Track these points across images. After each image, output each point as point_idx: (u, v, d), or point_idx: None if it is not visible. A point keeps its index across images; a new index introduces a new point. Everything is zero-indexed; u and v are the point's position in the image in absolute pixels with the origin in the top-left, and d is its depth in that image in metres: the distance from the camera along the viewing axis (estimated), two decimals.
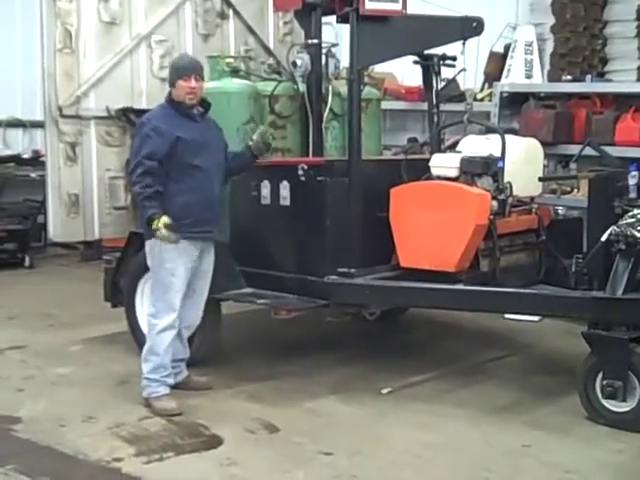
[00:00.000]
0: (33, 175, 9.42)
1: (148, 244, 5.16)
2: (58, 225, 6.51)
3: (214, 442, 4.67)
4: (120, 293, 6.19)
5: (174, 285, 5.08)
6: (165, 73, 6.74)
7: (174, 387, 5.27)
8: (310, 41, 6.00)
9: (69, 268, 9.39)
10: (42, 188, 7.11)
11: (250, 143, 5.41)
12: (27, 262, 9.35)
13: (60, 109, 6.40)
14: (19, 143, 10.62)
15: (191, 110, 5.16)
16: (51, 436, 4.70)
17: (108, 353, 6.18)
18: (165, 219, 4.88)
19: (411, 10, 5.52)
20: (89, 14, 6.52)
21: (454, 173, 5.49)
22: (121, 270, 6.18)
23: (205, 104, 5.24)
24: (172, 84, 5.14)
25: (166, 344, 5.12)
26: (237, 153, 5.46)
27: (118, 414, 4.99)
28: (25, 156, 10.20)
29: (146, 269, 5.86)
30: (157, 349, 5.11)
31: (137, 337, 6.02)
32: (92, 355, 6.19)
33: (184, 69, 5.14)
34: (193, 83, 5.09)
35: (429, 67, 6.28)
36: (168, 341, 5.12)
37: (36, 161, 9.73)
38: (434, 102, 6.37)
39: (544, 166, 6.16)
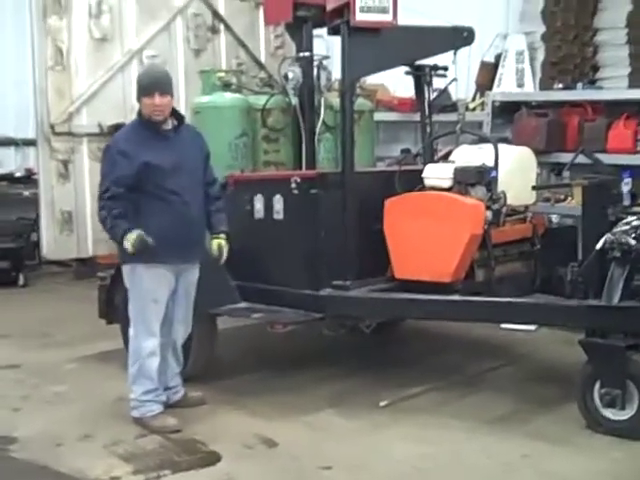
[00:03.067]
0: (26, 193, 9.40)
1: (126, 268, 5.07)
2: (52, 243, 6.47)
3: (212, 458, 4.63)
4: (115, 310, 6.15)
5: (153, 310, 5.02)
6: None
7: (171, 406, 5.25)
8: (301, 54, 6.00)
9: (63, 286, 9.35)
10: (35, 206, 7.08)
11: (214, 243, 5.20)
12: (21, 280, 9.32)
13: (52, 126, 6.37)
14: (11, 161, 10.61)
15: (162, 126, 4.99)
16: (48, 456, 4.67)
17: (104, 371, 6.15)
18: (139, 232, 4.79)
19: (402, 21, 5.53)
20: (80, 31, 6.50)
21: (448, 183, 5.48)
22: (116, 286, 6.15)
23: (178, 116, 5.08)
24: (138, 101, 4.99)
25: (155, 368, 5.09)
26: (213, 213, 5.23)
27: (115, 432, 4.96)
28: (17, 174, 10.19)
29: None
30: (150, 373, 5.06)
31: None
32: (88, 373, 6.16)
33: (146, 87, 4.95)
34: (157, 100, 4.89)
35: (421, 78, 6.28)
36: (155, 365, 5.09)
37: (28, 179, 9.72)
38: (426, 113, 6.37)
39: (537, 174, 6.16)
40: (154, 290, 5.01)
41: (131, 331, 5.14)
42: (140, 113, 5.03)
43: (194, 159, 5.12)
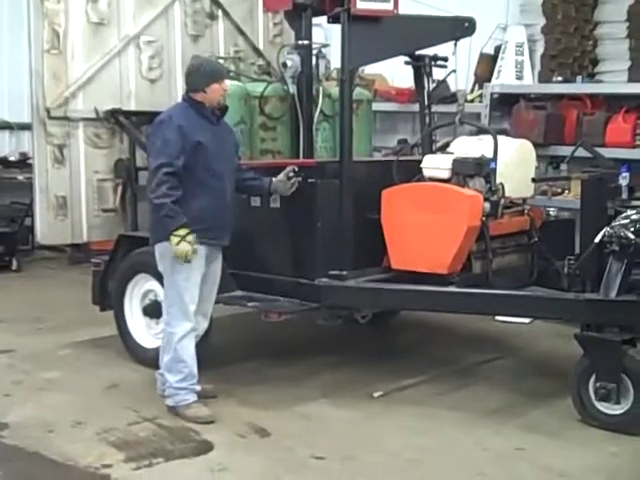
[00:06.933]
0: (20, 177, 9.37)
1: (159, 248, 5.00)
2: (46, 228, 6.43)
3: (204, 447, 4.61)
4: (109, 296, 6.13)
5: (189, 291, 4.96)
6: (154, 74, 6.80)
7: None
8: (300, 42, 5.96)
9: (57, 271, 9.32)
10: (29, 190, 7.05)
11: (274, 179, 5.37)
12: (14, 265, 9.28)
13: (48, 111, 6.33)
14: (6, 145, 10.56)
15: (211, 113, 5.04)
16: (39, 442, 4.64)
17: (97, 357, 6.12)
18: (193, 237, 4.79)
19: (402, 10, 5.49)
20: (77, 15, 6.44)
21: (446, 174, 5.46)
22: (110, 273, 6.13)
23: (223, 108, 5.14)
24: (202, 89, 4.97)
25: (191, 350, 5.01)
26: (256, 178, 5.42)
27: (107, 419, 4.93)
28: (12, 158, 10.14)
29: (135, 272, 5.83)
30: (183, 357, 4.98)
31: (126, 341, 5.98)
32: (81, 359, 6.12)
33: (219, 72, 5.11)
34: (225, 85, 5.08)
35: (420, 68, 6.25)
36: (192, 347, 5.02)
37: (23, 163, 9.68)
38: (426, 103, 6.34)
39: (535, 167, 6.13)
40: (191, 270, 4.94)
41: (165, 316, 5.07)
42: (189, 97, 5.04)
43: (231, 147, 5.22)
